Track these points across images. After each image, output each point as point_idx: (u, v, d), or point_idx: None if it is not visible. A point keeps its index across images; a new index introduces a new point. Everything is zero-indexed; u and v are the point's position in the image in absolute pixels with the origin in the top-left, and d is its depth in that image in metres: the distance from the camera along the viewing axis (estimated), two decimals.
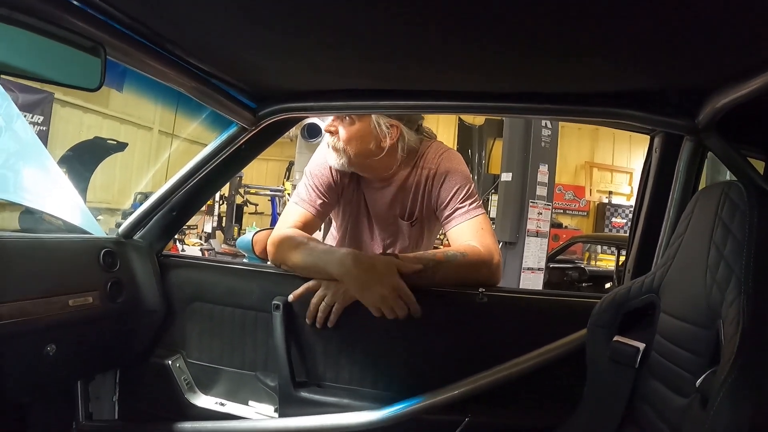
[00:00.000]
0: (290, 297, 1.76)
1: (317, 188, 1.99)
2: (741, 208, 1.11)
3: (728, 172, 1.57)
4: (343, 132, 1.87)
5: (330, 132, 1.89)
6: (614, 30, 1.05)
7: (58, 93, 7.92)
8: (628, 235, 1.89)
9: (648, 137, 1.80)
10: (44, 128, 7.92)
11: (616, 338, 1.42)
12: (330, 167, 1.98)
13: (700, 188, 1.54)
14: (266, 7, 1.08)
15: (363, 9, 1.05)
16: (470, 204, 1.89)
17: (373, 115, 1.85)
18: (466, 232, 1.85)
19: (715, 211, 1.18)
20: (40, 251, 1.57)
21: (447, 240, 1.98)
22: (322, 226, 2.36)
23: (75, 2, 1.08)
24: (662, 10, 0.94)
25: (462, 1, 0.97)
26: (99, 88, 1.12)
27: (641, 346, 1.36)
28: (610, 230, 12.54)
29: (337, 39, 1.23)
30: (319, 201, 1.99)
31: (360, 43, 1.24)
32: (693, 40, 1.06)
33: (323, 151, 2.02)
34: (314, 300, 1.74)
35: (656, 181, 1.73)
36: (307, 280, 1.78)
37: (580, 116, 1.66)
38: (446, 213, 1.92)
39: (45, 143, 7.00)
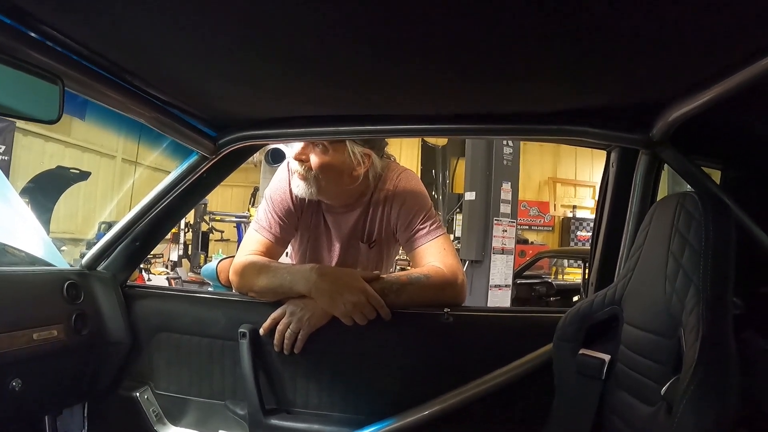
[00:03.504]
0: (261, 331, 1.76)
1: (276, 214, 1.96)
2: (696, 217, 1.14)
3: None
4: (315, 160, 1.81)
5: (300, 160, 1.83)
6: (566, 51, 1.07)
7: (20, 122, 7.80)
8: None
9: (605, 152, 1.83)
10: (6, 158, 7.75)
11: (581, 351, 1.44)
12: (290, 191, 1.95)
13: (658, 200, 1.57)
14: (223, 37, 1.09)
15: (319, 37, 1.06)
16: (431, 225, 1.89)
17: (348, 144, 1.81)
18: (429, 253, 1.85)
19: (672, 221, 1.21)
20: (2, 285, 1.55)
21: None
22: None
23: (33, 34, 1.07)
24: (612, 29, 0.97)
25: (417, 28, 0.99)
26: (58, 120, 1.11)
27: (606, 357, 1.38)
28: (576, 244, 12.64)
29: (294, 67, 1.24)
30: (279, 227, 1.96)
31: (317, 70, 1.25)
32: (644, 56, 1.09)
33: (282, 174, 2.00)
34: (280, 327, 1.73)
35: (614, 195, 1.76)
36: (271, 305, 1.78)
37: (536, 135, 1.68)
38: (407, 235, 1.92)
39: (7, 173, 6.88)
